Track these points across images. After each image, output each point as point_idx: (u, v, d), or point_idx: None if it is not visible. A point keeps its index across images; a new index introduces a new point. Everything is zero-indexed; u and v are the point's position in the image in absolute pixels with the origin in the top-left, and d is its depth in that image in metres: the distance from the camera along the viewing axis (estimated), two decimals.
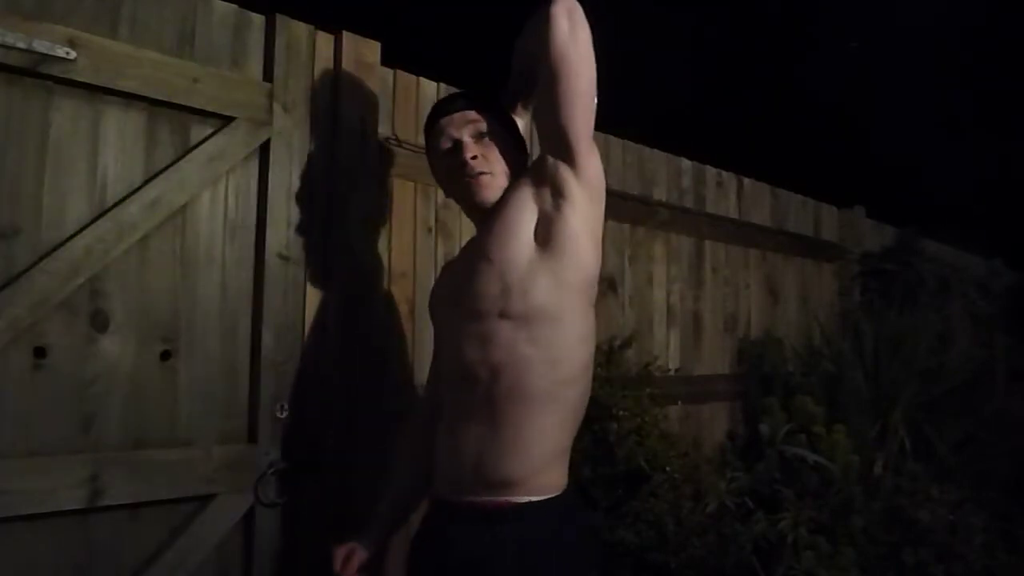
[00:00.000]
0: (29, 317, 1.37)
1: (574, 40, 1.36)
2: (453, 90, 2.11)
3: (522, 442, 1.30)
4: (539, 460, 1.31)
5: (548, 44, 1.36)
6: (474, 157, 1.43)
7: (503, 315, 1.33)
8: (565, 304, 1.34)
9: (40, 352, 1.40)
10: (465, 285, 1.40)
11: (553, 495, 1.32)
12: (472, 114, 1.47)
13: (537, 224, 1.37)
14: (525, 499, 1.30)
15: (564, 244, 1.35)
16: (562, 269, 1.34)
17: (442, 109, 1.50)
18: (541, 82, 1.40)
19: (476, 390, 1.33)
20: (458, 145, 1.46)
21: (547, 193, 1.39)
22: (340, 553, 1.46)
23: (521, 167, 1.50)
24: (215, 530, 1.58)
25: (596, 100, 1.40)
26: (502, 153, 1.47)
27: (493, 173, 1.45)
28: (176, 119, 1.59)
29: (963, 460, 3.00)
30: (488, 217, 1.45)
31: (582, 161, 1.38)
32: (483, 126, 1.47)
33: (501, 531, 1.29)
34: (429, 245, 2.02)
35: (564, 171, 1.38)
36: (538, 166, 1.43)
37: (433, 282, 1.71)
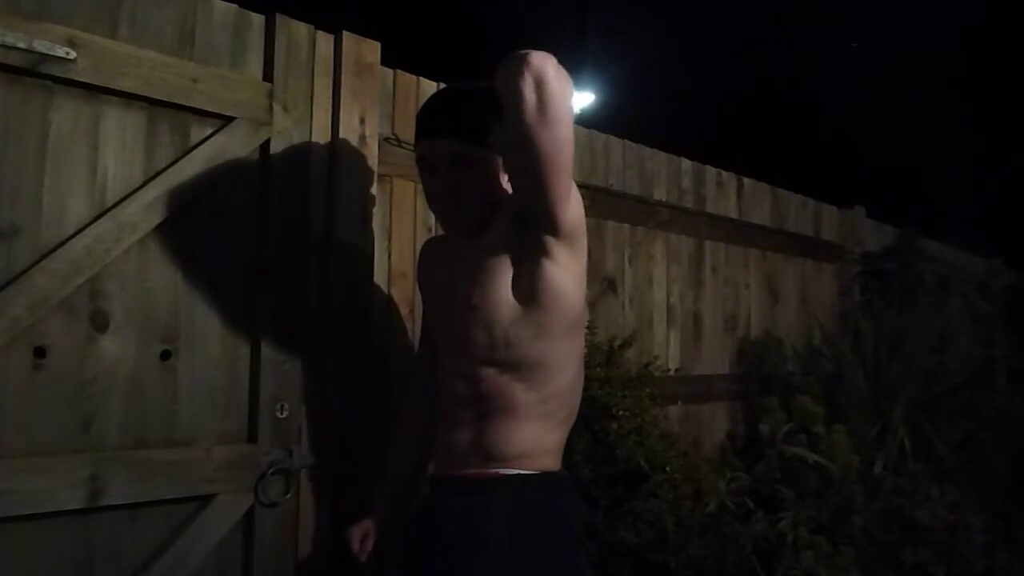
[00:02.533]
0: (29, 317, 1.37)
1: (543, 120, 1.16)
2: None
3: (516, 437, 1.38)
4: (530, 446, 1.38)
5: (515, 122, 1.18)
6: (445, 189, 1.39)
7: (490, 363, 1.37)
8: (550, 349, 1.37)
9: (40, 352, 1.40)
10: (453, 323, 1.42)
11: (544, 471, 1.40)
12: (451, 142, 1.38)
13: (514, 281, 1.34)
14: (516, 471, 1.36)
15: (548, 299, 1.34)
16: (547, 321, 1.35)
17: (423, 126, 1.43)
18: (512, 149, 1.26)
19: (468, 410, 1.41)
20: (433, 171, 1.41)
21: (526, 251, 1.34)
22: (356, 533, 1.54)
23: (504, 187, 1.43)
24: (215, 530, 1.58)
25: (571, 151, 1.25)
26: (481, 180, 1.40)
27: (464, 205, 1.40)
28: (176, 119, 1.59)
29: (963, 460, 3.00)
30: (472, 243, 1.41)
31: (560, 221, 1.30)
32: (461, 153, 1.38)
33: (492, 498, 1.35)
34: None
35: (544, 236, 1.32)
36: (516, 220, 1.35)
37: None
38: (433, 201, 1.47)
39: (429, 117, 1.43)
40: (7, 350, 1.36)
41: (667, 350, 2.78)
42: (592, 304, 2.51)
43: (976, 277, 4.46)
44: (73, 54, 1.41)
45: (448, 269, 1.48)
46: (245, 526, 1.62)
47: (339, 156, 1.79)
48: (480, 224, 1.42)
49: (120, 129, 1.52)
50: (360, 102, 1.84)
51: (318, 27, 1.80)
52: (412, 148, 1.96)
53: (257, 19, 1.72)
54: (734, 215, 3.12)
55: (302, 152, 1.75)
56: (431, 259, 1.61)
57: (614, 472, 2.15)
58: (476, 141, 1.38)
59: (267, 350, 1.66)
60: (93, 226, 1.45)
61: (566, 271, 1.35)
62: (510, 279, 1.35)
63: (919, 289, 3.70)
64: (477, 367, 1.38)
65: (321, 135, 1.78)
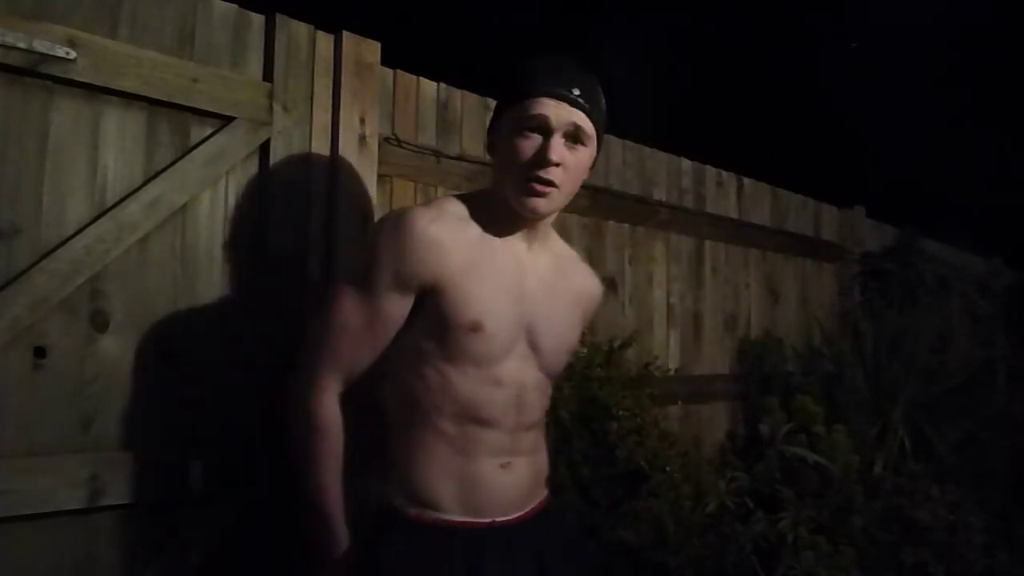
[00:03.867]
0: (29, 317, 1.37)
1: None
2: (453, 91, 2.12)
3: (544, 453, 1.50)
4: None
5: None
6: (554, 156, 1.27)
7: (551, 376, 1.46)
8: None
9: (40, 352, 1.40)
10: (544, 340, 1.38)
11: None
12: (580, 114, 1.29)
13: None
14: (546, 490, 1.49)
15: None
16: None
17: (555, 82, 1.28)
18: None
19: (528, 428, 1.41)
20: (547, 139, 1.28)
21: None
22: None
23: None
24: (215, 529, 1.58)
25: None
26: (579, 170, 1.34)
27: (561, 190, 1.31)
28: (176, 119, 1.59)
29: (963, 460, 3.00)
30: (542, 252, 1.42)
31: None
32: (583, 132, 1.30)
33: (555, 522, 1.49)
34: None
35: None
36: (585, 293, 1.53)
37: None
38: (521, 166, 1.29)
39: (564, 74, 1.30)
40: (7, 350, 1.36)
41: (667, 350, 2.78)
42: None
43: (976, 277, 4.46)
44: (73, 54, 1.41)
45: (510, 274, 1.35)
46: (244, 526, 1.62)
47: (339, 156, 1.79)
48: (551, 214, 1.38)
49: (120, 129, 1.52)
50: (360, 102, 1.84)
51: (318, 27, 1.80)
52: (412, 148, 1.97)
53: (257, 19, 1.72)
54: (734, 215, 3.12)
55: (302, 152, 1.75)
56: (454, 243, 1.31)
57: (614, 472, 2.15)
58: (596, 123, 1.33)
59: (267, 350, 1.66)
60: (93, 226, 1.45)
61: None
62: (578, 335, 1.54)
63: (919, 289, 3.70)
64: (547, 380, 1.44)
65: (321, 135, 1.78)
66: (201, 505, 1.57)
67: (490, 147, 1.40)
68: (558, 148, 1.28)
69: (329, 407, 1.32)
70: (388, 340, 1.32)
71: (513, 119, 1.30)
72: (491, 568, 1.30)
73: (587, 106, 1.30)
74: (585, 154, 1.32)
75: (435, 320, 1.31)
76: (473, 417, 1.32)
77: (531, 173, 1.28)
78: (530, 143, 1.28)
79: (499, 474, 1.34)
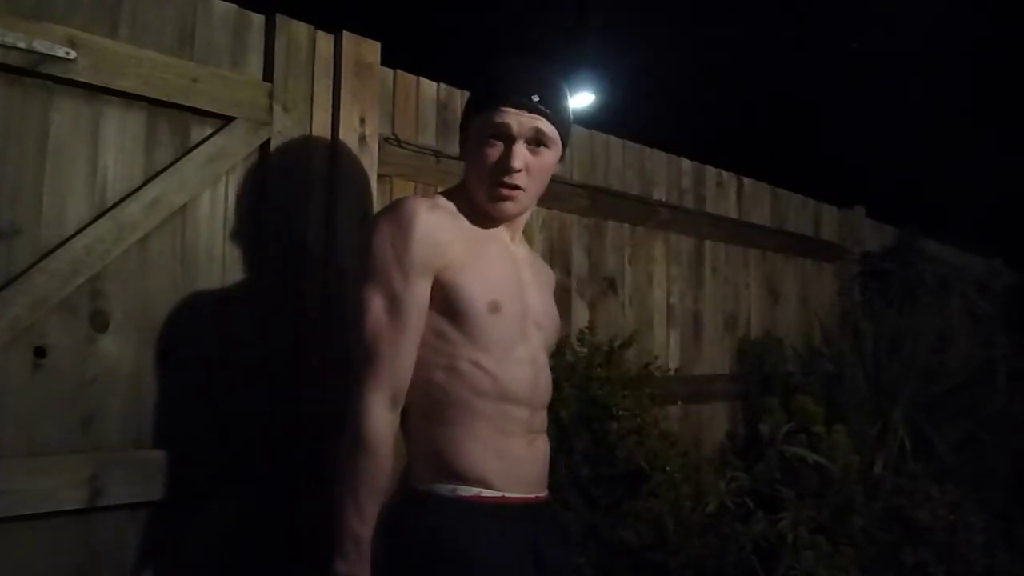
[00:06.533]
0: (29, 317, 1.37)
1: None
2: (453, 90, 2.12)
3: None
4: None
5: None
6: (519, 163, 1.34)
7: (549, 355, 1.51)
8: None
9: (40, 352, 1.40)
10: (543, 322, 1.46)
11: None
12: (542, 119, 1.35)
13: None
14: None
15: None
16: None
17: (517, 90, 1.34)
18: None
19: (544, 406, 1.46)
20: (509, 146, 1.35)
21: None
22: None
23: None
24: (215, 530, 1.58)
25: None
26: (544, 171, 1.40)
27: (527, 192, 1.38)
28: (176, 119, 1.59)
29: (963, 460, 3.00)
30: (520, 244, 1.50)
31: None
32: (545, 136, 1.36)
33: (554, 511, 1.53)
34: None
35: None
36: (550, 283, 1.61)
37: None
38: (487, 172, 1.36)
39: (526, 82, 1.36)
40: (7, 350, 1.36)
41: (667, 350, 2.78)
42: (592, 304, 2.51)
43: (976, 277, 4.45)
44: (73, 54, 1.41)
45: (507, 260, 1.42)
46: (244, 526, 1.62)
47: (339, 156, 1.79)
48: (521, 214, 1.46)
49: (120, 129, 1.52)
50: (360, 102, 1.84)
51: (318, 27, 1.80)
52: (412, 148, 1.97)
53: (257, 19, 1.72)
54: (734, 215, 3.12)
55: (302, 152, 1.75)
56: (455, 232, 1.36)
57: (614, 472, 2.15)
58: (558, 125, 1.39)
59: (266, 351, 1.66)
60: (93, 226, 1.45)
61: None
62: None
63: (919, 289, 3.70)
64: (547, 359, 1.50)
65: (321, 135, 1.78)
66: (202, 505, 1.57)
67: (462, 147, 1.46)
68: (520, 155, 1.35)
69: (377, 422, 1.27)
70: (419, 332, 1.31)
71: (479, 127, 1.38)
72: (543, 543, 1.37)
73: (547, 111, 1.36)
74: (549, 155, 1.39)
75: (455, 306, 1.32)
76: (506, 396, 1.35)
77: (498, 179, 1.36)
78: (495, 150, 1.36)
79: (529, 451, 1.40)
